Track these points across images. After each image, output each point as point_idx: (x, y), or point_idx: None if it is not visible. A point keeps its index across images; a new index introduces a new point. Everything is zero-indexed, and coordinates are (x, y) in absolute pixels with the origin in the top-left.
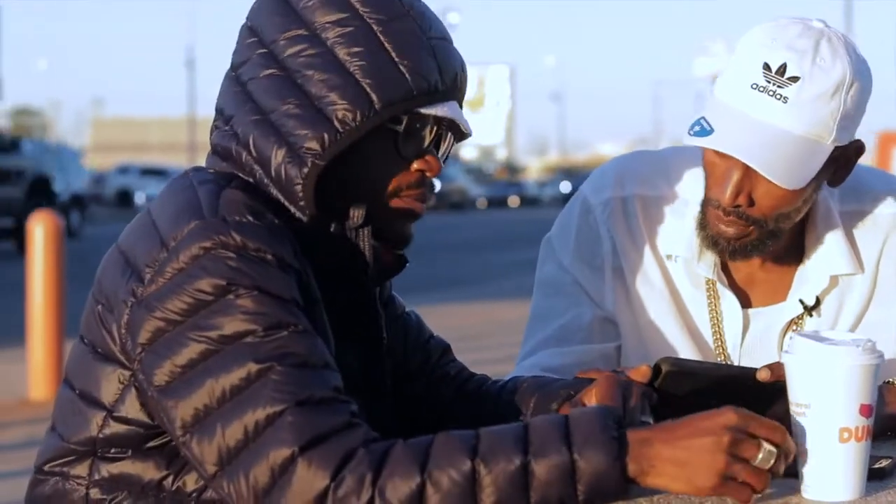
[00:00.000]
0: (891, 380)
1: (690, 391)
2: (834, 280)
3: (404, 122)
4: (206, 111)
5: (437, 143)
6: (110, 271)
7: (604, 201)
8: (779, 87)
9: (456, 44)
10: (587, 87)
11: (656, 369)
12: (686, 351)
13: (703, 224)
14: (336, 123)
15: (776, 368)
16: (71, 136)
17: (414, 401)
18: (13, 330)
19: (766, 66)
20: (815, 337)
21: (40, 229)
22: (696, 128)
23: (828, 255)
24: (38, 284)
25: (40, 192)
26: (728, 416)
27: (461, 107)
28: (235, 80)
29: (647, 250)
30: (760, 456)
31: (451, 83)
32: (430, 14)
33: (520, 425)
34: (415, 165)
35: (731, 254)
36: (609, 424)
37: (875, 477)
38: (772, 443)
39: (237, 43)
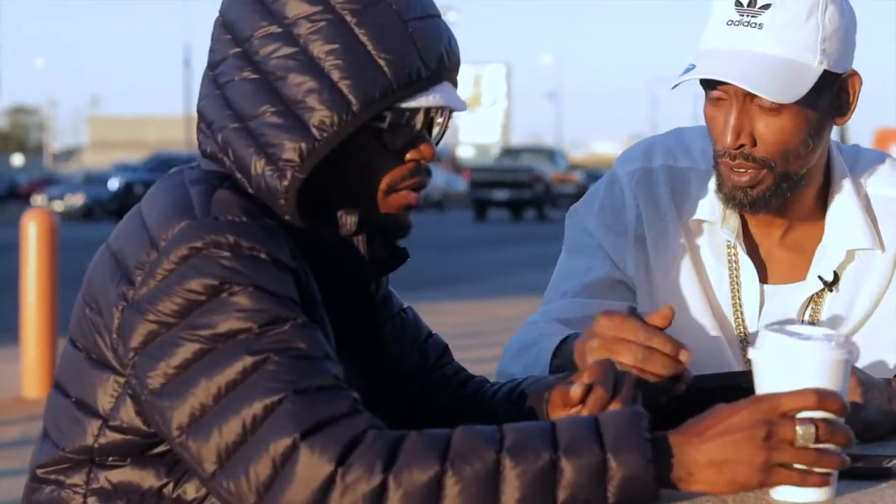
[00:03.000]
0: None
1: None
2: (851, 255)
3: (388, 118)
4: None
5: (429, 124)
6: (99, 273)
7: (630, 171)
8: (752, 17)
9: None
10: (584, 85)
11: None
12: (705, 323)
13: (720, 183)
14: (314, 130)
15: None
16: (68, 135)
17: (408, 403)
18: (7, 328)
19: (738, 2)
20: (784, 331)
21: (34, 227)
22: (682, 72)
23: (847, 230)
24: (31, 282)
25: None
26: (755, 406)
27: (455, 84)
28: (213, 81)
29: (672, 220)
30: (800, 434)
31: (436, 65)
32: None
33: (545, 423)
34: (407, 156)
35: (751, 205)
36: (642, 426)
37: (883, 477)
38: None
39: (212, 39)
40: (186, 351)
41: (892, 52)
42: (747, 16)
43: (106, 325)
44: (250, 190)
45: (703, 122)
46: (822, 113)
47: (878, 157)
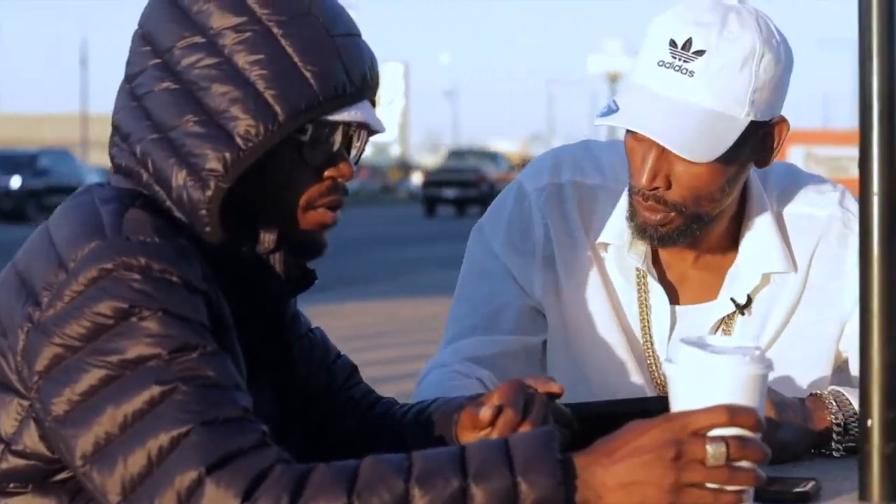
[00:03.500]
0: (817, 392)
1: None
2: (766, 278)
3: (310, 131)
4: (99, 108)
5: (348, 144)
6: (4, 293)
7: (539, 188)
8: (685, 61)
9: None
10: (482, 84)
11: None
12: (614, 344)
13: (632, 214)
14: (238, 140)
15: None
16: None
17: (316, 424)
18: None
19: (672, 42)
20: (700, 344)
21: None
22: (604, 109)
23: (761, 254)
24: None
25: None
26: (665, 425)
27: (374, 104)
28: (130, 93)
29: (581, 239)
30: (710, 453)
31: (360, 83)
32: (336, 9)
33: (455, 447)
34: (326, 173)
35: (660, 241)
36: (553, 447)
37: (798, 501)
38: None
39: (130, 52)
40: (92, 377)
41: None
42: (680, 59)
43: (10, 346)
44: (168, 203)
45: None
46: (743, 161)
47: (787, 172)
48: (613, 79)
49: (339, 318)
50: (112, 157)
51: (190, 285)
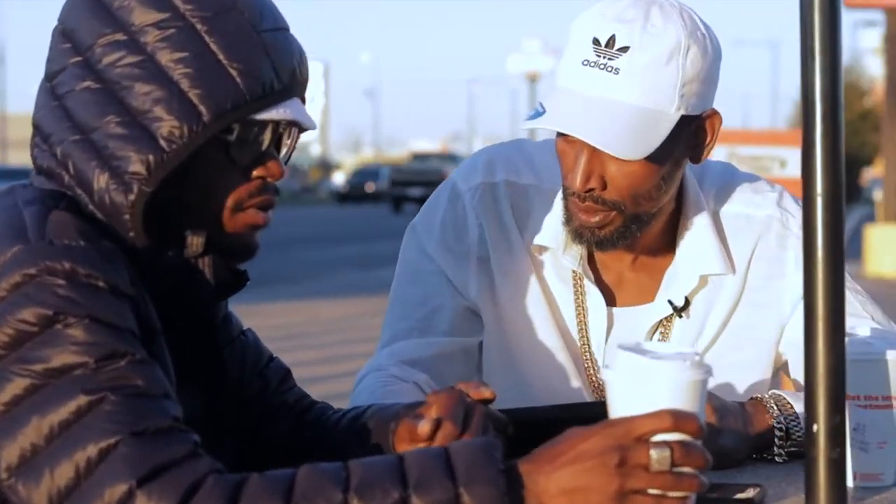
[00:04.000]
0: (757, 395)
1: (536, 440)
2: (704, 280)
3: (236, 131)
4: (17, 107)
5: (277, 142)
6: None
7: (473, 187)
8: (609, 59)
9: None
10: (402, 83)
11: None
12: (551, 346)
13: (568, 217)
14: (162, 142)
15: None
16: None
17: (249, 429)
18: None
19: (596, 41)
20: (638, 350)
21: None
22: (531, 112)
23: (699, 255)
24: None
25: None
26: (608, 430)
27: (303, 100)
28: (51, 92)
29: (516, 240)
30: (655, 458)
31: (288, 79)
32: (262, 3)
33: (393, 456)
34: (254, 173)
35: (598, 244)
36: (495, 456)
37: None
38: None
39: (50, 48)
40: (17, 386)
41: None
42: (604, 57)
43: None
44: (91, 207)
45: (534, 133)
46: (678, 156)
47: (724, 171)
48: (533, 78)
49: (259, 318)
50: (34, 158)
51: (117, 290)
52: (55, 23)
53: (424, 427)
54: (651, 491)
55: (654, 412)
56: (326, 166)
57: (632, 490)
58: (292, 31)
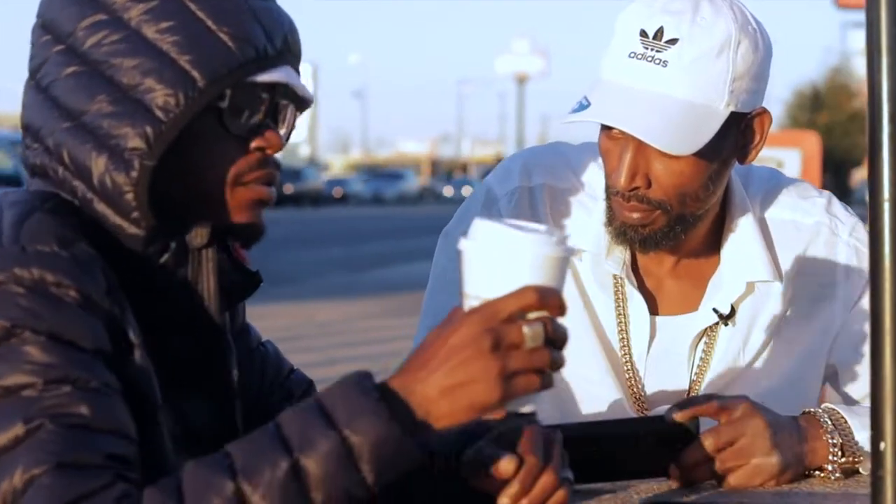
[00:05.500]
0: (810, 409)
1: (590, 458)
2: (750, 287)
3: (228, 96)
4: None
5: (273, 116)
6: None
7: (510, 191)
8: (657, 51)
9: None
10: (391, 85)
11: None
12: (591, 355)
13: (611, 217)
14: (158, 113)
15: (687, 406)
16: None
17: None
18: None
19: (643, 33)
20: (502, 222)
21: None
22: (575, 106)
23: (745, 261)
24: None
25: None
26: (473, 317)
27: (298, 73)
28: (36, 87)
29: None
30: (528, 335)
31: (281, 45)
32: None
33: (270, 425)
34: (252, 144)
35: (642, 244)
36: (367, 386)
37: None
38: (533, 315)
39: (31, 45)
40: None
41: None
42: (652, 49)
43: None
44: (89, 195)
45: (556, 137)
46: (725, 156)
47: (770, 176)
48: (521, 79)
49: (256, 321)
50: (25, 161)
51: (88, 301)
52: (19, 26)
53: (508, 466)
54: (531, 369)
55: (518, 290)
56: (317, 167)
57: (513, 371)
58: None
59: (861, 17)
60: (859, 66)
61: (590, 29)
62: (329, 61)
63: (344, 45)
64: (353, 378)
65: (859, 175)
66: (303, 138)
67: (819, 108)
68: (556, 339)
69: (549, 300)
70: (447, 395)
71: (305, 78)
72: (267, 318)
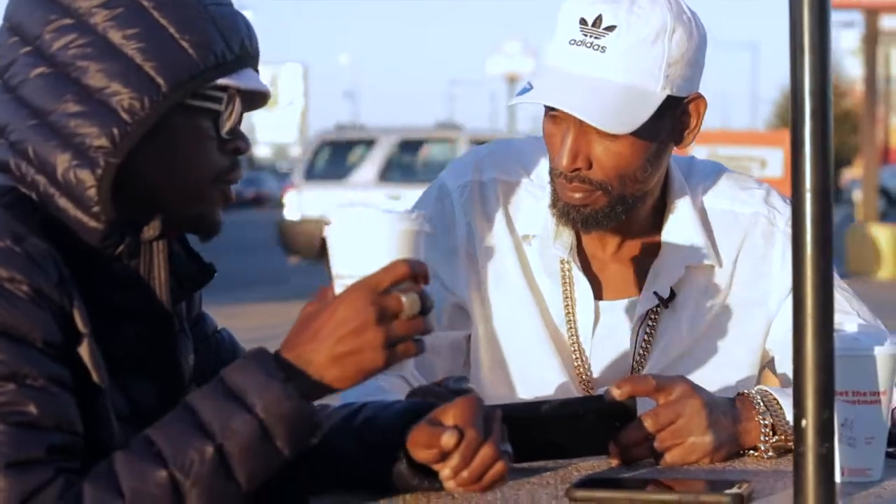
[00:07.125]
0: (744, 391)
1: (532, 437)
2: (690, 272)
3: (224, 99)
4: None
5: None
6: None
7: (462, 185)
8: (595, 38)
9: None
10: (382, 85)
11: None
12: (538, 338)
13: (555, 199)
14: (124, 115)
15: (625, 385)
16: None
17: None
18: None
19: (583, 21)
20: (359, 205)
21: None
22: (519, 90)
23: (685, 246)
24: None
25: None
26: (355, 292)
27: (257, 71)
28: (4, 87)
29: (504, 235)
30: (407, 305)
31: (239, 50)
32: None
33: (186, 413)
34: (230, 146)
35: (584, 223)
36: (270, 367)
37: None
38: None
39: None
40: None
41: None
42: (591, 36)
43: None
44: (52, 189)
45: (520, 131)
46: (663, 138)
47: (712, 168)
48: (513, 80)
49: (235, 320)
50: None
51: (40, 294)
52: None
53: (449, 440)
54: (409, 336)
55: (389, 264)
56: None
57: (395, 338)
58: (272, 32)
59: (851, 16)
60: (848, 66)
61: None
62: (320, 62)
63: (335, 46)
64: (254, 358)
65: (849, 174)
66: (294, 139)
67: None
68: (425, 307)
69: (418, 270)
70: (338, 362)
71: (296, 79)
72: (257, 318)
